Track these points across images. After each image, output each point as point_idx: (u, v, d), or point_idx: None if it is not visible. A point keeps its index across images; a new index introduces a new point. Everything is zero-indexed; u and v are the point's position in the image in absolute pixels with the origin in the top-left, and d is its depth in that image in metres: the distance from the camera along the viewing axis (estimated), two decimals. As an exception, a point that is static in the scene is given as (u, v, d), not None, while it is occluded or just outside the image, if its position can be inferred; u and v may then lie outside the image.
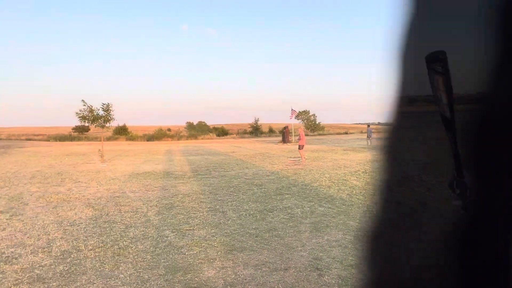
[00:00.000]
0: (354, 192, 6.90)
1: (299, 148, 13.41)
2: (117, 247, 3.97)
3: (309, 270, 3.28)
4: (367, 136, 24.23)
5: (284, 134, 27.72)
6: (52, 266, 3.45)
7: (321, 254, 3.67)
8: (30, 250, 3.89)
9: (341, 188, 7.27)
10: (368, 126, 25.73)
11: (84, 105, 14.94)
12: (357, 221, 4.85)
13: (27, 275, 3.26)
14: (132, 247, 3.97)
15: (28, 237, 4.35)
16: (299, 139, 13.48)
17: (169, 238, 4.27)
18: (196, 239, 4.20)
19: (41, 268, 3.42)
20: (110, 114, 15.22)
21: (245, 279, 3.12)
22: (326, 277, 3.13)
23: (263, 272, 3.26)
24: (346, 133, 55.76)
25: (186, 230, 4.58)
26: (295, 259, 3.55)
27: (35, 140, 44.11)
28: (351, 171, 9.88)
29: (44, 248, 3.95)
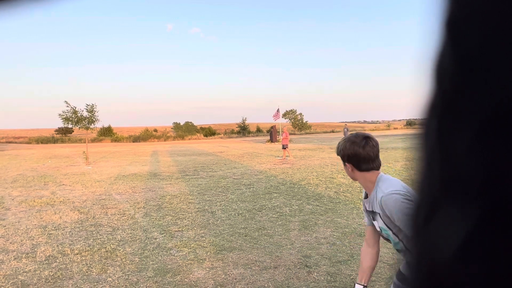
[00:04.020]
0: (341, 189, 6.99)
1: (283, 148, 13.91)
2: (104, 250, 3.91)
3: (298, 267, 3.32)
4: (344, 135, 26.26)
5: (272, 133, 27.82)
6: (36, 272, 3.36)
7: (310, 251, 3.71)
8: (13, 256, 3.78)
9: (328, 186, 7.36)
10: (345, 125, 28.78)
11: (68, 106, 14.60)
12: (345, 218, 4.92)
13: (11, 281, 3.17)
14: (119, 250, 3.91)
15: (10, 243, 4.23)
16: (284, 138, 14.02)
17: (157, 239, 4.23)
18: (185, 240, 4.17)
19: (25, 274, 3.33)
20: (94, 115, 14.90)
21: (235, 279, 3.12)
22: (315, 274, 3.17)
23: (253, 271, 3.28)
24: (332, 131, 56.41)
25: (175, 231, 4.55)
26: (284, 257, 3.58)
27: (16, 143, 42.77)
28: (338, 169, 10.00)
29: (28, 254, 3.85)
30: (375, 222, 1.49)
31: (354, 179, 1.51)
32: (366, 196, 1.52)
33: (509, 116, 0.15)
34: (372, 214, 1.48)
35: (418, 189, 0.20)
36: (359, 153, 1.41)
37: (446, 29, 0.18)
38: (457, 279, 0.17)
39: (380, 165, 1.45)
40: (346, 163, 1.48)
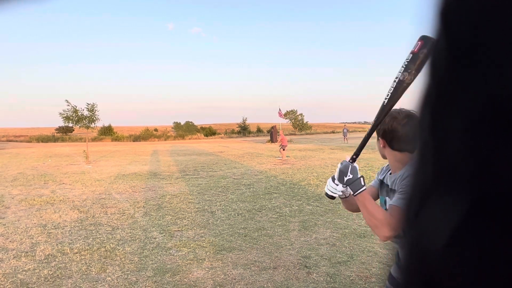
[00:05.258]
0: (341, 190, 6.98)
1: (282, 149, 14.09)
2: (104, 249, 3.91)
3: (298, 268, 3.31)
4: (343, 136, 26.94)
5: (272, 133, 27.82)
6: (36, 271, 3.36)
7: (309, 252, 3.70)
8: (13, 255, 3.78)
9: (328, 187, 7.35)
10: (344, 126, 29.15)
11: (68, 105, 14.63)
12: (345, 219, 4.92)
13: (10, 280, 3.17)
14: (119, 249, 3.91)
15: (10, 241, 4.23)
16: (281, 139, 14.44)
17: (157, 239, 4.22)
18: (184, 240, 4.17)
19: (24, 272, 3.33)
20: (95, 115, 14.93)
21: (235, 279, 3.12)
22: (314, 274, 3.16)
23: (252, 271, 3.27)
24: (333, 132, 56.46)
25: (174, 231, 4.55)
26: (284, 257, 3.58)
27: (16, 141, 42.83)
28: (338, 169, 10.00)
29: (27, 252, 3.85)
30: (387, 200, 1.42)
31: (383, 156, 1.42)
32: (390, 171, 1.44)
33: (502, 108, 0.15)
34: (391, 192, 1.40)
35: (411, 181, 0.20)
36: (397, 131, 1.30)
37: (440, 19, 0.17)
38: (448, 269, 0.17)
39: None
40: (379, 138, 1.38)
